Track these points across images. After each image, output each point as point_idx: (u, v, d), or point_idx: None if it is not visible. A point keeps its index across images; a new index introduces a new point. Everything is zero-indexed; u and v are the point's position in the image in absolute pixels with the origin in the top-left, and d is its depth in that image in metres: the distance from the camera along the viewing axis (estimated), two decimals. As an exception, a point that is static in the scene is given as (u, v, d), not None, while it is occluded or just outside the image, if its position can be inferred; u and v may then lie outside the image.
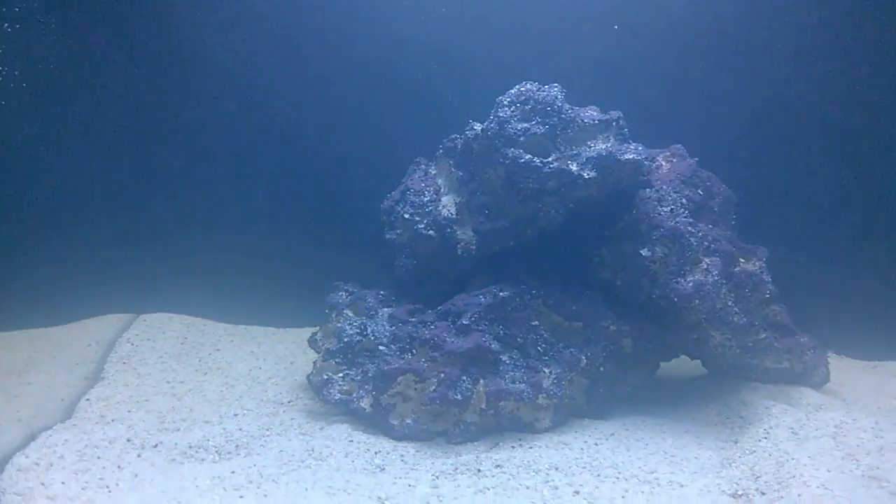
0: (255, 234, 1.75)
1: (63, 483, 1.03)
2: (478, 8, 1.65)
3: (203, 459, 1.14)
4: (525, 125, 1.33)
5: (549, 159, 1.32)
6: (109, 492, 1.00)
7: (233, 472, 1.08)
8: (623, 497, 1.02)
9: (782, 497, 0.95)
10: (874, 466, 1.04)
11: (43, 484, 1.01)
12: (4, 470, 1.05)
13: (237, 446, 1.19)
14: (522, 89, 1.34)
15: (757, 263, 1.46)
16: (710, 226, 1.42)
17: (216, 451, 1.17)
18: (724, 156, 1.61)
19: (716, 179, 1.49)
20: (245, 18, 1.63)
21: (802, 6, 1.62)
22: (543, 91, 1.34)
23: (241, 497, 0.99)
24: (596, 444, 1.22)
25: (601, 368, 1.34)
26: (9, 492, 0.99)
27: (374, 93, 1.68)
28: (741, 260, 1.42)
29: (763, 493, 0.98)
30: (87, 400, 1.31)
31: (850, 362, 1.65)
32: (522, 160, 1.31)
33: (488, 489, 1.07)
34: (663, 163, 1.53)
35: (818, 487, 0.94)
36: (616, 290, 1.40)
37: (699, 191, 1.44)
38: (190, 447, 1.17)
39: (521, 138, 1.32)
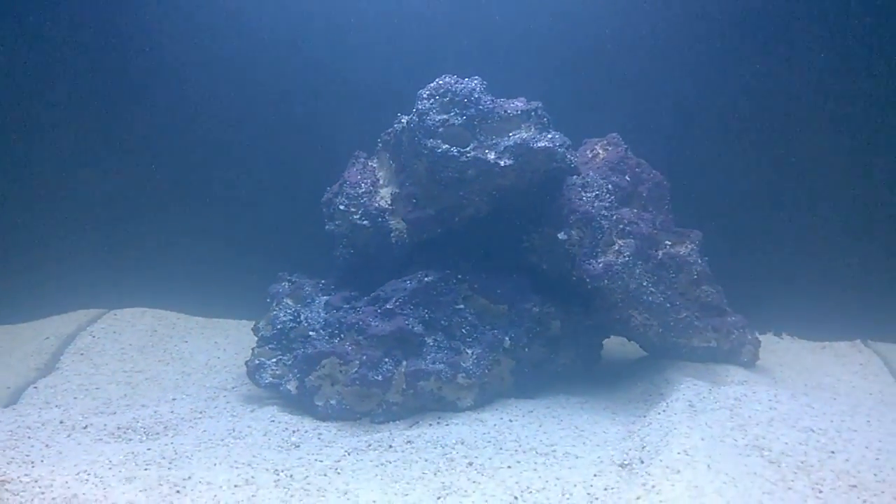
0: (231, 230, 1.78)
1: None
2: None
3: (130, 440, 1.20)
4: (443, 116, 1.36)
5: (467, 149, 1.35)
6: (32, 466, 1.06)
7: (149, 450, 1.13)
8: (509, 467, 1.04)
9: (651, 461, 0.96)
10: (760, 436, 1.03)
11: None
12: None
13: (165, 427, 1.24)
14: (441, 82, 1.37)
15: (689, 246, 1.46)
16: (636, 210, 1.44)
17: (144, 432, 1.23)
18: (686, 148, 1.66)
19: (646, 166, 1.50)
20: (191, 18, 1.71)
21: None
22: (461, 83, 1.37)
23: (145, 469, 1.04)
24: (511, 421, 1.24)
25: (526, 349, 1.36)
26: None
27: (326, 91, 1.73)
28: (668, 243, 1.43)
29: (642, 462, 0.99)
30: (35, 388, 1.39)
31: (802, 343, 1.64)
32: (440, 150, 1.34)
33: (389, 462, 1.10)
34: (600, 151, 1.55)
35: (679, 453, 0.95)
36: (544, 273, 1.42)
37: (626, 177, 1.45)
38: (118, 428, 1.23)
39: (440, 129, 1.36)
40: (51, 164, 1.74)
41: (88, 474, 1.03)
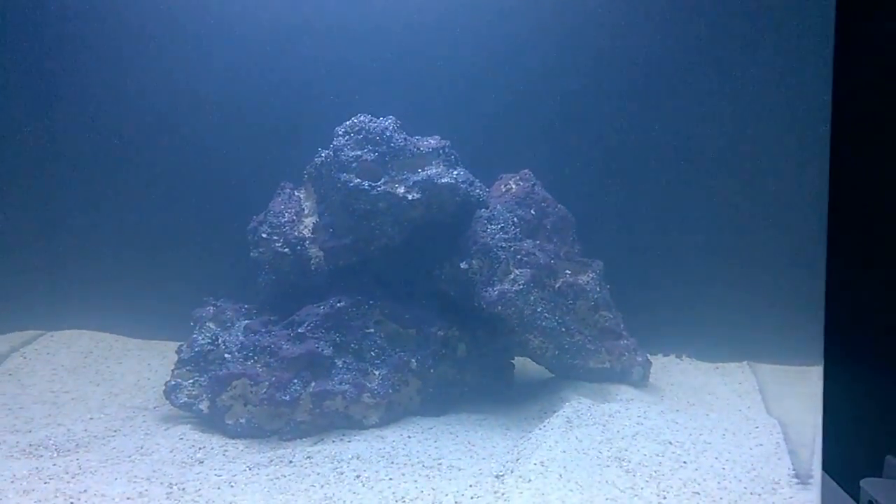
0: (169, 253, 1.82)
1: None
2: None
3: (41, 456, 1.23)
4: (357, 153, 1.44)
5: (378, 183, 1.43)
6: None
7: (54, 465, 1.17)
8: (391, 479, 1.10)
9: (511, 472, 1.04)
10: (623, 449, 1.10)
11: None
12: None
13: (77, 445, 1.28)
14: (356, 121, 1.46)
15: (590, 275, 1.54)
16: (539, 241, 1.52)
17: (55, 449, 1.26)
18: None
19: (552, 201, 1.58)
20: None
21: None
22: (375, 122, 1.45)
23: (45, 483, 1.09)
24: (409, 437, 1.30)
25: (432, 370, 1.43)
26: None
27: (255, 123, 1.81)
28: (567, 272, 1.50)
29: (511, 472, 1.06)
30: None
31: (698, 364, 1.71)
32: (352, 184, 1.42)
33: (284, 476, 1.15)
34: (512, 185, 1.63)
35: (535, 464, 1.02)
36: (452, 300, 1.48)
37: (531, 211, 1.53)
38: (30, 445, 1.26)
39: (354, 164, 1.43)
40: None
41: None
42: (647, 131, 1.75)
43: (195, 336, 1.49)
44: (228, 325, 1.52)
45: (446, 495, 1.04)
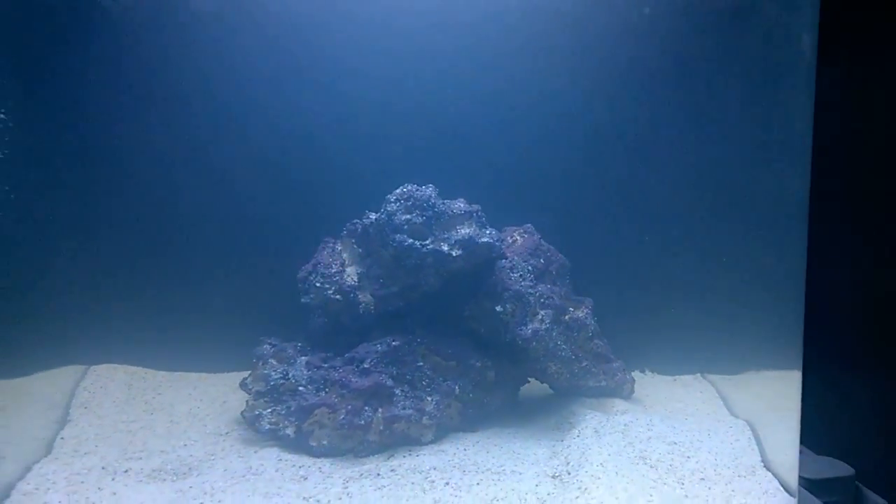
0: (187, 292, 2.02)
1: (60, 502, 1.33)
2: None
3: (164, 479, 1.42)
4: (408, 216, 1.72)
5: (427, 242, 1.72)
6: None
7: (190, 487, 1.39)
8: (478, 483, 1.40)
9: (577, 472, 1.37)
10: (643, 450, 1.45)
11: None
12: (10, 496, 1.33)
13: (189, 468, 1.47)
14: (405, 190, 1.73)
15: (584, 311, 1.90)
16: (549, 285, 1.86)
17: (173, 473, 1.45)
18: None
19: (554, 251, 1.92)
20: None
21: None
22: (420, 190, 1.74)
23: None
24: (465, 450, 1.59)
25: (470, 395, 1.73)
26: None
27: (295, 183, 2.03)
28: (571, 309, 1.86)
29: (569, 473, 1.39)
30: (62, 438, 1.57)
31: (659, 377, 2.08)
32: (406, 243, 1.70)
33: (385, 486, 1.41)
34: (518, 237, 1.96)
35: (597, 465, 1.36)
36: (481, 336, 1.80)
37: (541, 260, 1.87)
38: (153, 471, 1.44)
39: (405, 226, 1.72)
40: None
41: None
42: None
43: (265, 371, 1.71)
44: (291, 361, 1.75)
45: (526, 493, 1.36)
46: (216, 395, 1.95)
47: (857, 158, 1.69)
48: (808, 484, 1.66)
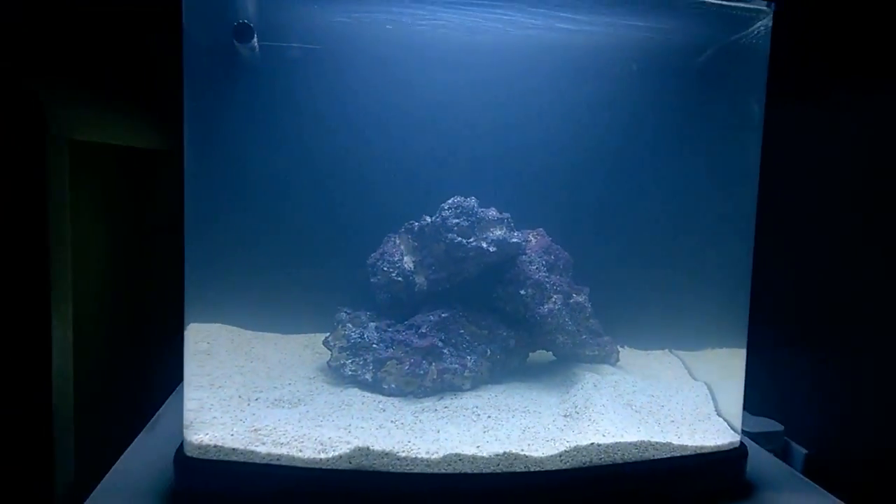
0: (276, 273, 2.50)
1: (215, 416, 1.83)
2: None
3: (284, 406, 1.93)
4: (457, 220, 2.24)
5: (471, 240, 2.25)
6: (255, 421, 1.80)
7: (307, 412, 1.90)
8: (512, 417, 1.94)
9: (585, 412, 1.93)
10: (630, 400, 2.00)
11: (209, 418, 1.81)
12: (184, 414, 1.83)
13: (299, 400, 1.96)
14: (455, 200, 2.23)
15: (583, 296, 2.44)
16: (558, 276, 2.40)
17: (289, 402, 1.97)
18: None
19: (561, 250, 2.43)
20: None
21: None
22: (467, 201, 2.24)
23: (318, 426, 1.83)
24: (496, 396, 2.10)
25: (498, 356, 2.26)
26: (196, 421, 1.78)
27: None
28: (574, 295, 2.40)
29: (577, 413, 1.94)
30: (201, 374, 2.09)
31: (634, 351, 2.55)
32: (456, 240, 2.22)
33: (443, 417, 1.95)
34: (532, 239, 2.49)
35: (599, 407, 1.91)
36: (506, 313, 2.32)
37: (551, 256, 2.41)
38: (275, 400, 1.95)
39: (455, 228, 2.25)
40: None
41: (289, 427, 1.80)
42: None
43: (346, 332, 2.23)
44: (363, 325, 2.27)
45: (549, 424, 1.90)
46: (293, 350, 2.45)
47: (793, 185, 2.26)
48: (750, 436, 2.26)
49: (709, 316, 2.30)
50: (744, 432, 2.20)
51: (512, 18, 2.07)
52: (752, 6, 1.75)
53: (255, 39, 1.89)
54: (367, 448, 1.61)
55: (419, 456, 1.62)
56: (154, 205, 2.68)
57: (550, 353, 2.41)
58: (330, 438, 1.67)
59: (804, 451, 2.34)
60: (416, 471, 1.59)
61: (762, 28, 1.83)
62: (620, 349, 2.58)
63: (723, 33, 1.97)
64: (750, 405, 2.51)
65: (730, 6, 1.75)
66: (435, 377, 2.11)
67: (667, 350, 2.56)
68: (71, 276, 1.75)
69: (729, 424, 1.94)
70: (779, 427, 2.54)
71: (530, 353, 2.41)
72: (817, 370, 2.25)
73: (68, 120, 1.64)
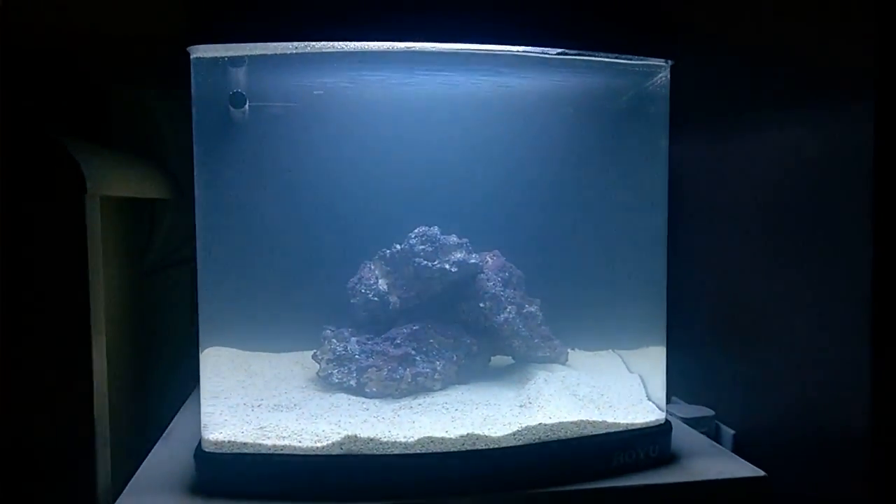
0: (265, 299, 2.85)
1: (226, 420, 2.15)
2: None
3: (282, 410, 2.23)
4: (422, 247, 2.60)
5: (435, 262, 2.61)
6: (259, 422, 2.12)
7: (302, 413, 2.22)
8: (476, 409, 2.28)
9: (536, 401, 2.27)
10: (575, 391, 2.33)
11: (221, 421, 2.13)
12: (201, 420, 2.14)
13: (295, 404, 2.26)
14: (420, 230, 2.57)
15: (535, 307, 2.80)
16: (512, 290, 2.76)
17: (286, 407, 2.27)
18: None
19: (514, 267, 2.76)
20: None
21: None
22: (430, 230, 2.60)
23: (313, 423, 2.16)
24: (462, 393, 2.40)
25: (463, 360, 2.60)
26: (210, 423, 2.10)
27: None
28: (527, 305, 2.76)
29: (531, 402, 2.28)
30: (207, 389, 2.41)
31: (583, 352, 2.85)
32: (423, 264, 2.58)
33: (418, 412, 2.27)
34: (489, 259, 2.84)
35: (548, 396, 2.26)
36: (469, 323, 2.67)
37: (506, 274, 2.76)
38: (275, 406, 2.25)
39: (421, 253, 2.60)
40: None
41: (289, 423, 2.13)
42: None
43: (332, 346, 2.56)
44: (346, 340, 2.61)
45: (506, 413, 2.25)
46: (286, 366, 2.77)
47: (697, 203, 2.65)
48: (685, 421, 2.63)
49: (642, 320, 2.66)
50: (680, 417, 2.58)
51: (456, 77, 2.45)
52: (651, 62, 2.15)
53: (247, 104, 2.24)
54: (355, 436, 1.94)
55: (398, 440, 1.95)
56: (158, 245, 3.01)
57: (509, 356, 2.76)
58: (323, 431, 2.00)
59: (732, 431, 2.68)
60: (395, 452, 1.92)
61: (663, 78, 2.23)
62: (571, 351, 2.93)
63: (636, 81, 2.36)
64: (687, 395, 2.91)
65: (632, 64, 2.14)
66: (410, 380, 2.45)
67: (610, 350, 2.92)
68: (103, 313, 2.07)
69: (657, 406, 2.30)
70: (710, 412, 2.89)
71: (492, 357, 2.75)
72: (739, 362, 2.63)
73: (99, 178, 1.98)
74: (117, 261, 2.53)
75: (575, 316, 2.91)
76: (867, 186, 1.85)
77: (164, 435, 2.45)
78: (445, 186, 2.83)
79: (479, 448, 1.97)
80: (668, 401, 3.07)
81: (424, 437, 1.96)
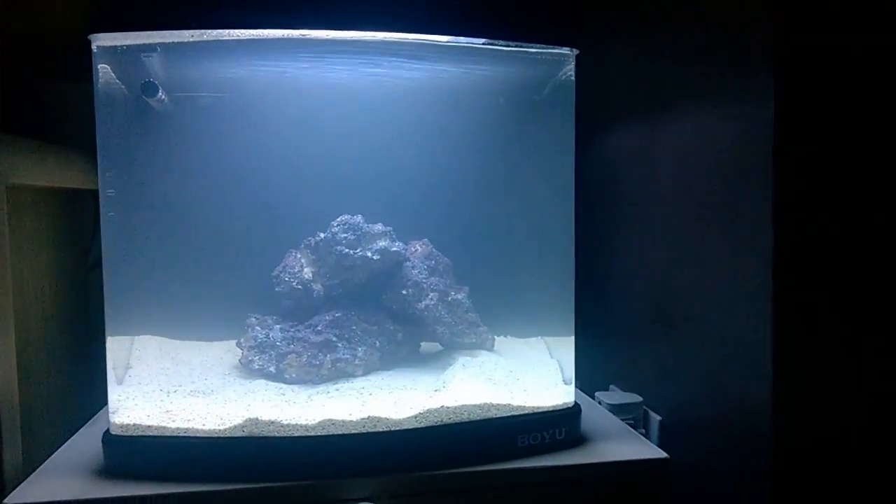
0: (194, 287, 2.87)
1: (137, 405, 2.18)
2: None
3: (198, 396, 2.25)
4: (345, 235, 2.63)
5: (357, 251, 2.63)
6: (170, 405, 2.15)
7: (215, 399, 2.25)
8: (390, 393, 2.31)
9: (450, 385, 2.31)
10: (491, 375, 2.40)
11: (132, 405, 2.15)
12: (110, 404, 2.16)
13: (212, 390, 2.28)
14: (343, 218, 2.61)
15: (462, 294, 2.83)
16: (437, 278, 2.79)
17: (202, 393, 2.29)
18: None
19: (441, 256, 2.80)
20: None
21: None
22: (353, 218, 2.64)
23: (223, 407, 2.19)
24: (382, 379, 2.45)
25: (386, 347, 2.63)
26: (120, 408, 2.12)
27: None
28: (452, 293, 2.79)
29: (444, 387, 2.32)
30: (129, 376, 2.42)
31: (514, 339, 2.90)
32: (344, 252, 2.61)
33: (332, 397, 2.31)
34: (418, 248, 2.88)
35: (460, 381, 2.30)
36: (393, 311, 2.71)
37: (432, 262, 2.79)
38: (190, 392, 2.27)
39: (343, 241, 2.63)
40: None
41: (198, 408, 2.15)
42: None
43: (254, 334, 2.58)
44: (269, 327, 2.63)
45: (424, 394, 2.28)
46: (215, 354, 2.79)
47: (631, 195, 2.68)
48: (612, 408, 2.67)
49: (553, 307, 2.68)
50: (608, 404, 2.61)
51: (383, 66, 2.48)
52: (556, 51, 2.18)
53: (162, 93, 2.26)
54: (257, 418, 1.96)
55: (299, 423, 1.98)
56: (91, 236, 3.02)
57: (437, 343, 2.79)
58: (229, 414, 2.02)
59: (659, 417, 2.72)
60: (296, 434, 1.95)
61: (570, 69, 2.26)
62: (503, 338, 2.96)
63: (552, 72, 2.39)
64: (624, 383, 2.95)
65: (541, 53, 2.17)
66: (329, 366, 2.48)
67: (539, 337, 2.96)
68: (11, 299, 2.08)
69: (569, 391, 2.33)
70: (638, 399, 2.92)
71: (422, 344, 2.78)
72: (663, 349, 2.67)
73: (3, 167, 1.99)
74: (50, 253, 2.55)
75: (505, 304, 2.94)
76: (767, 172, 1.88)
77: (89, 422, 2.47)
78: (377, 176, 2.85)
79: (380, 430, 2.00)
80: (606, 388, 3.12)
81: (325, 420, 1.99)
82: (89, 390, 2.95)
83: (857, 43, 1.84)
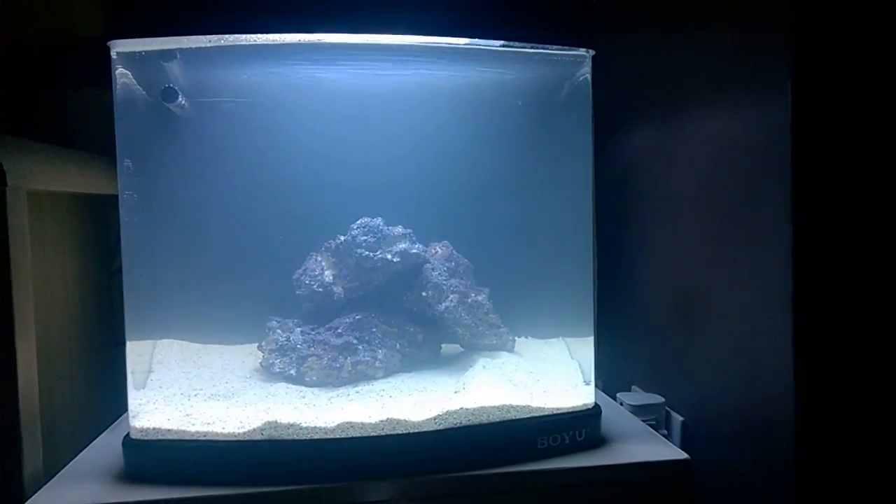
0: (216, 291, 2.88)
1: (157, 408, 2.19)
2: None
3: (219, 399, 2.27)
4: (365, 238, 2.62)
5: (377, 253, 2.63)
6: (191, 409, 2.16)
7: (236, 402, 2.25)
8: (410, 396, 2.31)
9: (469, 387, 2.28)
10: (511, 377, 2.33)
11: (152, 409, 2.17)
12: (131, 408, 2.18)
13: (233, 394, 2.31)
14: (362, 221, 2.61)
15: (482, 296, 2.81)
16: (457, 280, 2.77)
17: (223, 396, 2.32)
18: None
19: (461, 258, 2.77)
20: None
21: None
22: (373, 221, 2.63)
23: (243, 410, 2.19)
24: (403, 381, 2.43)
25: (406, 349, 2.62)
26: (140, 412, 2.13)
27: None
28: (473, 294, 2.77)
29: (465, 388, 2.30)
30: (151, 380, 2.45)
31: (535, 340, 2.85)
32: (364, 255, 2.60)
33: (353, 400, 2.31)
34: (438, 249, 2.87)
35: (479, 382, 2.28)
36: (413, 313, 2.69)
37: (452, 263, 2.78)
38: (211, 395, 2.30)
39: (363, 244, 2.63)
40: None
41: (218, 411, 2.16)
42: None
43: (275, 336, 2.59)
44: (290, 330, 2.64)
45: (445, 395, 2.26)
46: (237, 357, 2.81)
47: (652, 194, 2.65)
48: (634, 408, 2.63)
49: (574, 308, 2.64)
50: (630, 405, 2.58)
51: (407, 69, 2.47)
52: (572, 52, 2.15)
53: (181, 98, 2.27)
54: (276, 421, 1.96)
55: (318, 426, 1.97)
56: (114, 242, 3.06)
57: (457, 344, 2.77)
58: (249, 417, 2.03)
59: (681, 418, 2.68)
60: (315, 437, 1.95)
61: (587, 70, 2.23)
62: (523, 339, 2.94)
63: (569, 73, 2.36)
64: (646, 384, 2.91)
65: (557, 54, 2.14)
66: (350, 369, 2.48)
67: (560, 338, 2.93)
68: (34, 302, 2.11)
69: (589, 391, 2.30)
70: (660, 399, 2.89)
71: (442, 346, 2.77)
72: (686, 350, 2.63)
73: (24, 172, 2.02)
74: (73, 258, 2.58)
75: (525, 305, 2.92)
76: (786, 171, 1.84)
77: (111, 426, 2.50)
78: (396, 178, 2.84)
79: (399, 433, 1.98)
80: (628, 389, 3.08)
81: (344, 423, 1.98)
82: (114, 395, 2.98)
83: (876, 39, 1.79)
